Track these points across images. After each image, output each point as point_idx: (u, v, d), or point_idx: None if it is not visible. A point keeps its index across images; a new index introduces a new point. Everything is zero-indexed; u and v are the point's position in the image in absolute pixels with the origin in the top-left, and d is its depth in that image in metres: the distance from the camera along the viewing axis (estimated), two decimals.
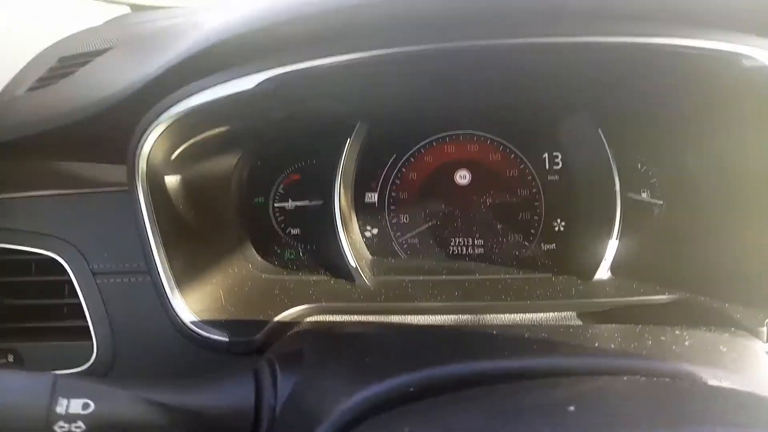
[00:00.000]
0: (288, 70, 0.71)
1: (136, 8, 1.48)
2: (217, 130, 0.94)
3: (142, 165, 0.85)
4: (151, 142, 0.83)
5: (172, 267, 0.88)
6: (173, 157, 0.92)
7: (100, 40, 1.18)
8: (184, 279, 0.90)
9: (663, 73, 0.83)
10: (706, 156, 1.07)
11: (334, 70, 0.70)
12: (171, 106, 0.79)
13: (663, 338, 0.59)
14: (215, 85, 0.76)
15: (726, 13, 0.67)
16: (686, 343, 0.58)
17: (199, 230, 1.00)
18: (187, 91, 0.78)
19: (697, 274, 0.97)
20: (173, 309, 0.88)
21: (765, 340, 0.81)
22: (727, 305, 0.87)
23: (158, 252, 0.87)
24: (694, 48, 0.69)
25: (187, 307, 0.89)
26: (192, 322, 0.88)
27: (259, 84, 0.73)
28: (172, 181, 0.94)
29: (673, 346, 0.57)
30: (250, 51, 0.72)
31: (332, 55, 0.69)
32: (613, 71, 0.85)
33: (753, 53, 0.69)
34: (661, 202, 1.16)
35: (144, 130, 0.82)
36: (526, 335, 0.62)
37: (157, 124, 0.81)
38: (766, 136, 0.90)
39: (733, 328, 0.77)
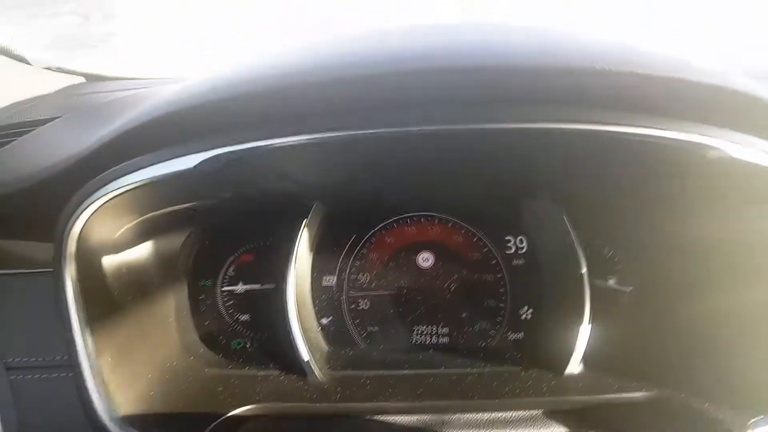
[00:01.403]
0: (230, 150, 0.66)
1: (91, 78, 1.44)
2: (161, 211, 0.87)
3: (71, 246, 0.77)
4: (83, 221, 0.76)
5: (99, 361, 0.78)
6: (113, 239, 0.84)
7: (46, 109, 1.12)
8: (113, 375, 0.80)
9: (626, 161, 0.81)
10: (672, 242, 1.05)
11: (279, 152, 0.65)
12: (105, 184, 0.73)
13: None
14: (153, 164, 0.69)
15: (691, 104, 0.66)
16: None
17: (135, 318, 0.90)
18: (122, 169, 0.71)
19: (673, 368, 0.91)
20: (96, 411, 0.77)
21: None
22: (707, 405, 0.81)
23: (84, 343, 0.77)
24: (658, 138, 0.67)
25: (115, 408, 0.78)
26: (119, 426, 0.77)
27: (199, 164, 0.67)
28: (107, 263, 0.86)
29: None
30: (190, 129, 0.67)
31: (275, 137, 0.64)
32: (576, 157, 0.83)
33: (719, 144, 0.67)
34: (630, 289, 1.12)
35: (75, 209, 0.75)
36: None
37: (90, 203, 0.74)
38: (731, 224, 0.88)
39: None
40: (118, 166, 0.72)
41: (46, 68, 1.34)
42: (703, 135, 0.66)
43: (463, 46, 0.65)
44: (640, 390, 0.87)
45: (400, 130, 0.66)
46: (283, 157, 0.69)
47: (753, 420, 0.75)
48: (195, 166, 0.68)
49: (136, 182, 0.71)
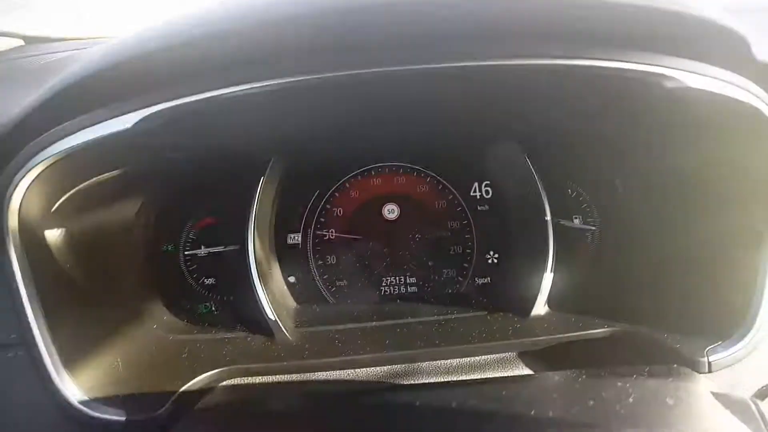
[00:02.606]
0: (167, 105, 0.62)
1: (29, 40, 1.35)
2: (107, 175, 0.83)
3: (13, 221, 0.72)
4: (20, 194, 0.71)
5: (55, 338, 0.75)
6: (54, 207, 0.80)
7: None
8: (72, 350, 0.77)
9: (586, 96, 0.79)
10: (633, 178, 1.05)
11: (219, 104, 0.61)
12: (38, 151, 0.68)
13: (605, 395, 0.53)
14: (88, 126, 0.65)
15: (647, 35, 0.64)
16: (630, 399, 0.53)
17: (92, 290, 0.87)
18: (55, 134, 0.66)
19: (634, 303, 0.93)
20: (57, 388, 0.74)
21: (706, 370, 0.77)
22: (666, 335, 0.83)
23: (37, 321, 0.74)
24: (616, 70, 0.65)
25: (76, 383, 0.75)
26: (81, 402, 0.74)
27: (137, 123, 0.63)
28: (54, 235, 0.81)
29: (617, 406, 0.51)
30: (124, 87, 0.62)
31: (213, 89, 0.60)
32: (536, 95, 0.80)
33: (675, 74, 0.66)
34: (594, 228, 1.13)
35: (10, 180, 0.70)
36: (454, 403, 0.54)
37: (25, 173, 0.69)
38: (691, 155, 0.88)
39: (675, 365, 0.72)
40: (50, 132, 0.67)
41: None
42: (658, 65, 0.65)
43: None
44: (602, 327, 0.88)
45: (346, 74, 0.62)
46: (224, 109, 0.65)
47: (709, 347, 0.78)
48: (133, 126, 0.63)
49: (71, 147, 0.66)
